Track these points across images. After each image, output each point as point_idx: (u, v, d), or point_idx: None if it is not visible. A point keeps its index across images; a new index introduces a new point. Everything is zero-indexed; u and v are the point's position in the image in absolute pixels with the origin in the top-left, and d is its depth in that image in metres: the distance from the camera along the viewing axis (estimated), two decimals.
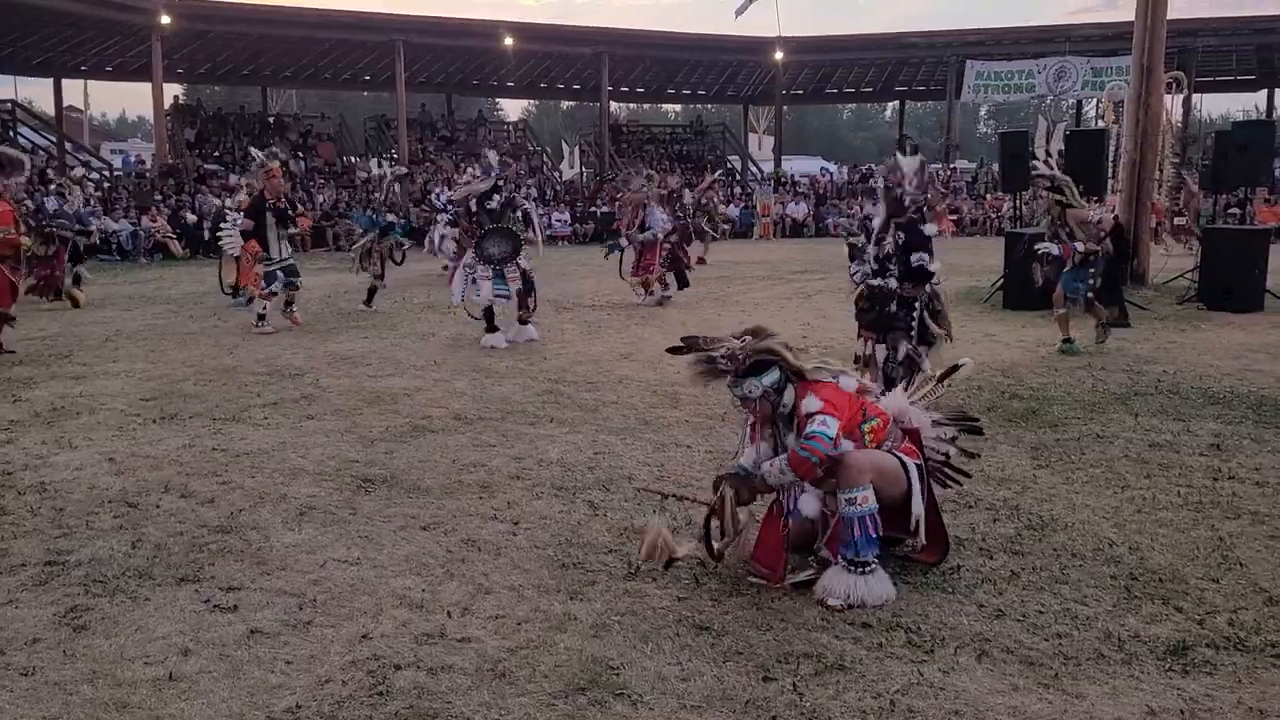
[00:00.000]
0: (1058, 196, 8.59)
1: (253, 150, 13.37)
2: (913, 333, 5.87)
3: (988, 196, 29.74)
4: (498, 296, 9.14)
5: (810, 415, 3.53)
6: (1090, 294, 8.42)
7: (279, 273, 10.24)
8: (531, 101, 59.55)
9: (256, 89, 35.77)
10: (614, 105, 39.51)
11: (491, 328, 9.18)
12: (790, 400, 3.63)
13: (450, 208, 11.21)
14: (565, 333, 10.03)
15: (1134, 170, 13.04)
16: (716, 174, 26.20)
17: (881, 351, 6.00)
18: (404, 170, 24.10)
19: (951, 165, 32.90)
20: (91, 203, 19.95)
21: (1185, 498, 4.65)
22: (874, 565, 3.53)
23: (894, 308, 5.84)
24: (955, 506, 4.44)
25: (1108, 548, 4.02)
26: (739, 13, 32.95)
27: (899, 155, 5.72)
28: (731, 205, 28.30)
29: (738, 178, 34.33)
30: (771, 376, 3.63)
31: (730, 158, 35.88)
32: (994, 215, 27.58)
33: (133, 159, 33.78)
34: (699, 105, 49.19)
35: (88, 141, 37.16)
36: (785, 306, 12.01)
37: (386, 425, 6.14)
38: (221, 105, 35.31)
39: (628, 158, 31.83)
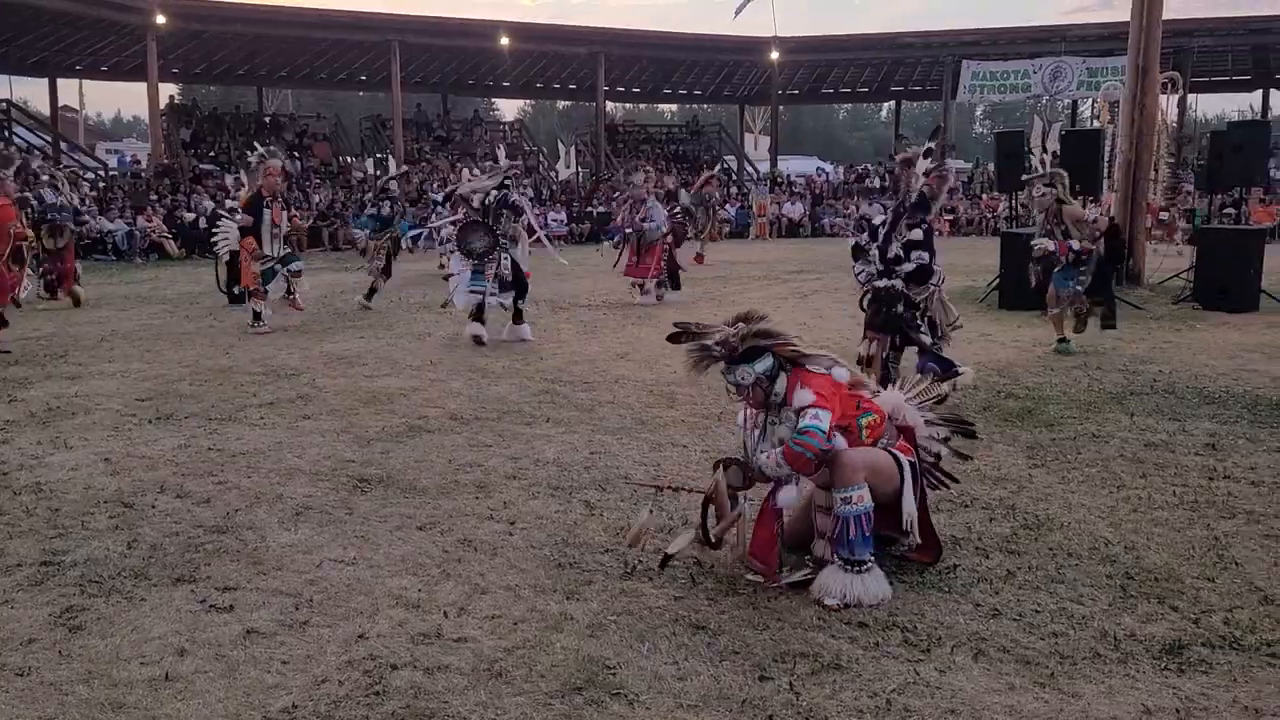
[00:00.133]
0: (1053, 191, 8.58)
1: (256, 144, 13.31)
2: (923, 331, 5.89)
3: (984, 196, 29.77)
4: (473, 292, 9.14)
5: (803, 409, 3.54)
6: (1079, 287, 8.42)
7: (276, 268, 10.23)
8: (527, 101, 59.59)
9: (252, 89, 35.75)
10: (610, 105, 39.55)
11: (476, 317, 9.20)
12: (782, 389, 3.64)
13: (448, 204, 11.24)
14: (561, 332, 10.03)
15: (1129, 170, 13.07)
16: (715, 169, 26.17)
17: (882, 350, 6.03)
18: (404, 169, 24.13)
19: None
20: (87, 202, 19.88)
21: (1181, 497, 4.66)
22: (870, 564, 3.53)
23: (901, 308, 5.86)
24: (951, 506, 4.45)
25: (1103, 547, 4.03)
26: (738, 12, 32.97)
27: (946, 159, 5.76)
28: (728, 205, 28.29)
29: (734, 178, 34.32)
30: (764, 363, 3.64)
31: (726, 158, 35.84)
32: (990, 215, 27.61)
33: (128, 159, 33.79)
34: (695, 105, 49.15)
35: (83, 141, 37.03)
36: (781, 307, 12.00)
37: (383, 425, 6.14)
38: (217, 105, 35.19)
39: (624, 158, 31.81)
